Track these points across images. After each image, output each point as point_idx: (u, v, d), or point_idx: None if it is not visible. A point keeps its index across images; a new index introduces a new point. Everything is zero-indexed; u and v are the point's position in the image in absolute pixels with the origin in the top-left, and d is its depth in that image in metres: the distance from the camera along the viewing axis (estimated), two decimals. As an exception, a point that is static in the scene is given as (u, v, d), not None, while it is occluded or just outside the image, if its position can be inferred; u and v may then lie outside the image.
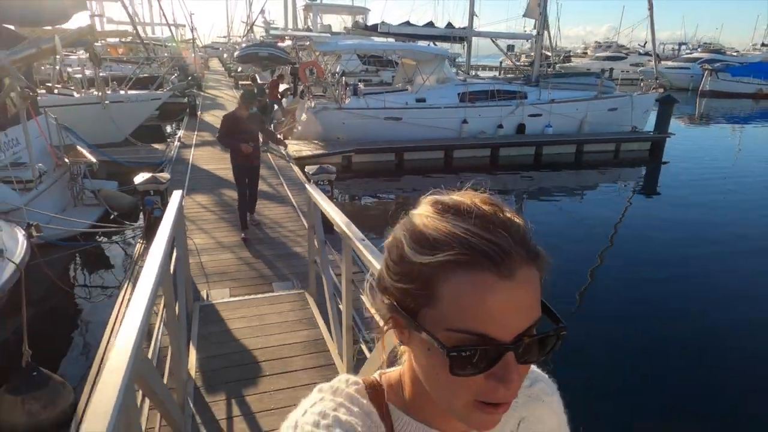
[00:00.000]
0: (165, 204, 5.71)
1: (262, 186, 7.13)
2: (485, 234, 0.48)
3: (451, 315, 0.49)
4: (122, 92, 12.94)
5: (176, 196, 3.71)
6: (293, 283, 4.94)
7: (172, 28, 28.88)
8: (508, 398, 0.51)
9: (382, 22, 16.12)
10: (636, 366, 5.05)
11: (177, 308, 3.08)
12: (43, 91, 11.52)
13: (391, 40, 15.83)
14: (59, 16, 8.37)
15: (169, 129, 17.02)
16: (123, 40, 21.10)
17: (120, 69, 18.42)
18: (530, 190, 12.45)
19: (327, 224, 3.67)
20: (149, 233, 5.58)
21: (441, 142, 13.35)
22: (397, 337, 0.57)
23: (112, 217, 7.40)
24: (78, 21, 9.22)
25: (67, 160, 7.72)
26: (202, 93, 22.64)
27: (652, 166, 14.67)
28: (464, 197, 0.54)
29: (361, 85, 14.75)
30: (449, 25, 16.95)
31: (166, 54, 22.63)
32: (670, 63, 41.99)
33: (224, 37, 59.06)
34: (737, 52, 53.99)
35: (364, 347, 3.25)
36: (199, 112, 16.96)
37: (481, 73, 25.64)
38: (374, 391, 0.62)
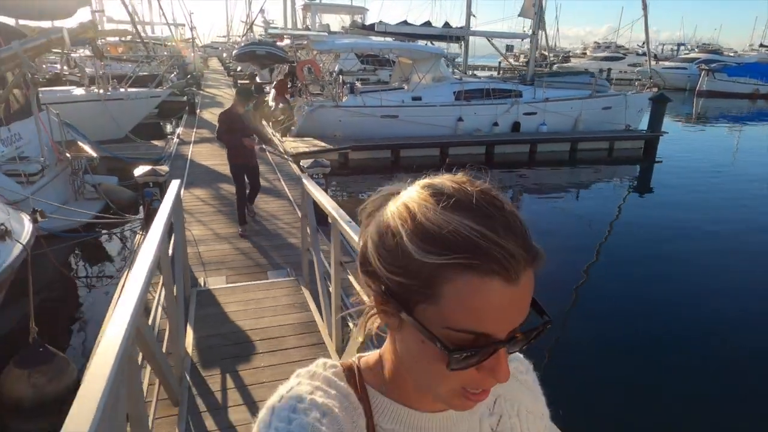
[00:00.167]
0: (164, 196, 5.87)
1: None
2: (495, 238, 0.47)
3: (453, 315, 0.48)
4: (122, 90, 13.09)
5: (174, 184, 3.90)
6: (288, 271, 5.11)
7: (172, 27, 29.07)
8: (494, 385, 0.53)
9: (380, 21, 16.34)
10: (628, 361, 5.10)
11: (175, 290, 3.25)
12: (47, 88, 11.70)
13: (388, 39, 15.99)
14: (64, 11, 8.68)
15: (168, 127, 17.19)
16: (123, 39, 21.25)
17: (120, 67, 18.57)
18: (525, 188, 12.62)
19: (320, 215, 3.79)
20: (148, 224, 5.73)
21: (437, 139, 13.50)
22: (383, 321, 0.57)
23: (111, 211, 7.58)
24: (79, 18, 9.42)
25: (68, 155, 7.89)
26: (201, 92, 22.82)
27: (645, 164, 14.83)
28: (461, 184, 0.52)
29: (358, 84, 14.93)
30: (446, 25, 17.14)
31: (165, 52, 22.81)
32: (667, 63, 42.28)
33: (224, 36, 59.30)
34: (735, 52, 54.17)
35: (352, 326, 3.43)
36: (198, 110, 17.14)
37: (479, 73, 25.76)
38: (351, 374, 0.62)
